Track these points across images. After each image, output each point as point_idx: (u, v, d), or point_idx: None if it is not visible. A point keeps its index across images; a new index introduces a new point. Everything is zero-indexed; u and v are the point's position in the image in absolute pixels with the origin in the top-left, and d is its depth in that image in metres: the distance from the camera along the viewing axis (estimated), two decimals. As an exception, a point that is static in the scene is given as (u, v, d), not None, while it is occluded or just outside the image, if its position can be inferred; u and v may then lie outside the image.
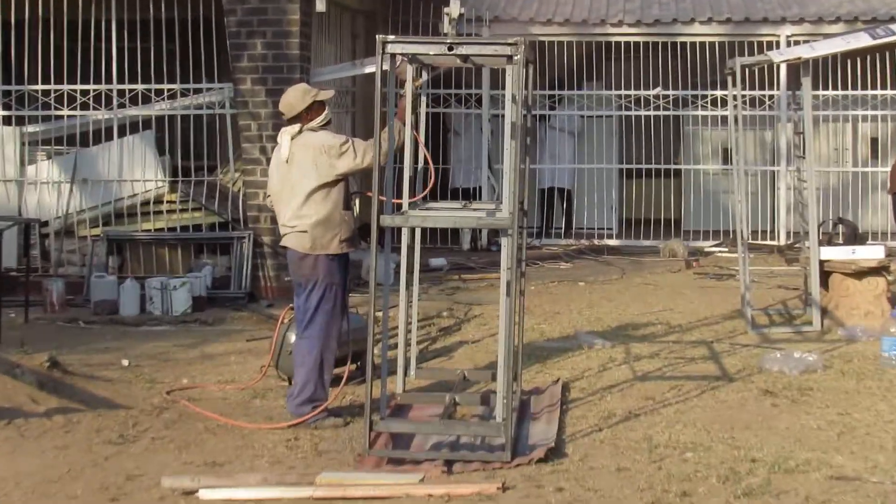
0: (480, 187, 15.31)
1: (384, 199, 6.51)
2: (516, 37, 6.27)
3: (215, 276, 11.98)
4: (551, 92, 15.71)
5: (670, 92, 15.30)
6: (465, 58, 6.44)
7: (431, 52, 6.46)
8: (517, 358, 7.18)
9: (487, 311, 10.63)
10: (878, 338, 8.83)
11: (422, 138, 7.13)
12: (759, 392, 7.74)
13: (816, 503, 5.64)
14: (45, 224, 12.48)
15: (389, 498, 5.74)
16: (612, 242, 15.24)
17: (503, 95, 6.43)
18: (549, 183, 15.96)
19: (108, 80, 12.74)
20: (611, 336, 9.62)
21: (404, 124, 6.98)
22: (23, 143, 12.79)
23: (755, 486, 5.82)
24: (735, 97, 10.47)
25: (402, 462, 6.33)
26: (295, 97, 7.23)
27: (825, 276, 10.04)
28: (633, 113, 15.51)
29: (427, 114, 7.70)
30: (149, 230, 12.39)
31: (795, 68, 10.89)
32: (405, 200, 6.87)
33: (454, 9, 13.11)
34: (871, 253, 10.08)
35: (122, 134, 12.81)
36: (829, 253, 10.04)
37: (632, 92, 15.42)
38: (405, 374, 7.48)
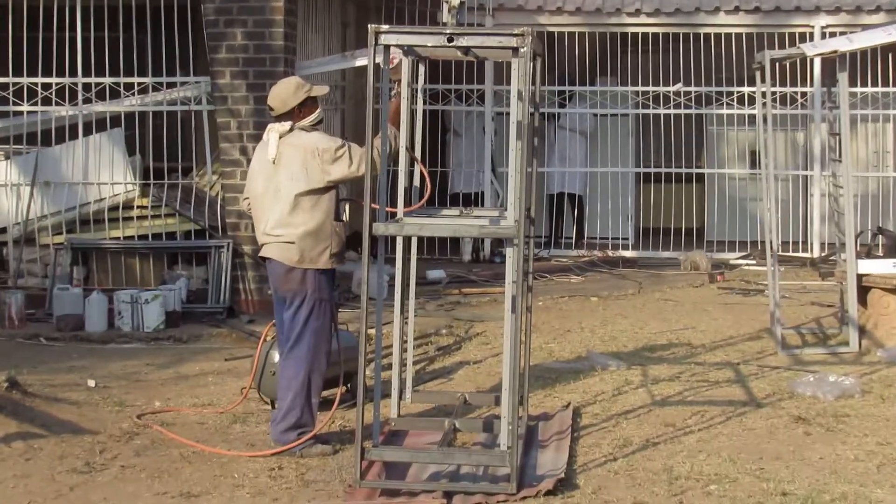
0: (483, 192, 15.34)
1: (377, 206, 6.54)
2: (523, 27, 6.28)
3: (191, 289, 12.00)
4: (561, 88, 15.75)
5: (692, 88, 15.33)
6: (466, 50, 6.48)
7: (429, 44, 6.49)
8: (523, 380, 7.21)
9: (491, 328, 10.67)
10: (921, 360, 8.90)
11: (418, 156, 7.15)
12: (791, 419, 7.78)
13: (852, 541, 5.69)
14: (3, 231, 12.52)
15: (383, 533, 5.79)
16: (628, 254, 15.28)
17: (508, 92, 6.44)
18: (558, 188, 15.99)
19: (73, 73, 12.74)
20: (626, 357, 9.67)
21: (398, 127, 7.03)
22: (-22, 142, 12.84)
23: (785, 522, 5.88)
24: (764, 94, 10.51)
25: (397, 494, 6.36)
26: (287, 91, 7.24)
27: (863, 291, 10.08)
28: (651, 111, 15.55)
29: (424, 112, 7.74)
30: (117, 238, 12.41)
31: (831, 62, 10.94)
32: (400, 207, 6.91)
33: (454, -5, 13.16)
34: (914, 266, 10.12)
35: (87, 132, 12.83)
36: (867, 266, 10.07)
37: (650, 88, 15.46)
38: (400, 397, 7.50)
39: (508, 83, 6.44)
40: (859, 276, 10.01)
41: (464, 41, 6.33)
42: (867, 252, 10.41)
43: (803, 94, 15.28)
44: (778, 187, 13.83)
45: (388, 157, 6.58)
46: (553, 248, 15.53)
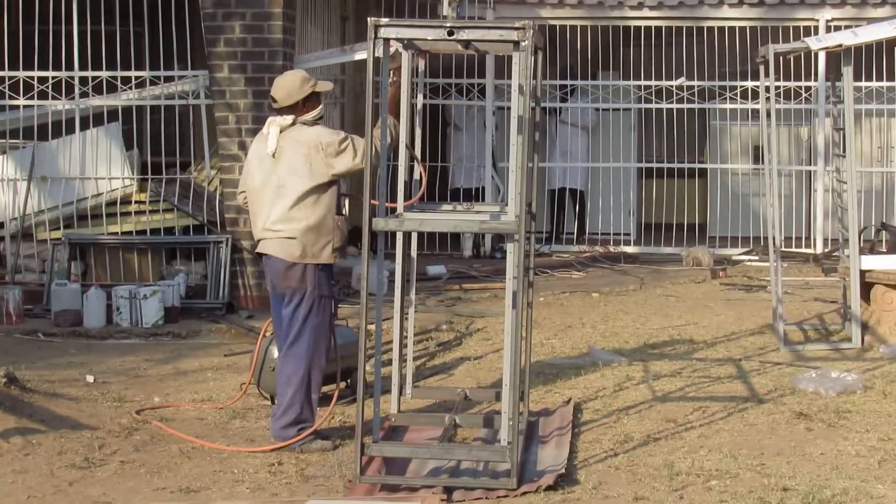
0: (483, 188, 15.37)
1: (376, 203, 6.56)
2: (524, 20, 6.30)
3: (189, 285, 12.03)
4: (563, 82, 15.77)
5: (695, 83, 15.35)
6: (466, 44, 6.50)
7: (429, 38, 6.50)
8: (524, 376, 7.25)
9: (491, 324, 10.72)
10: (924, 356, 8.95)
11: (418, 153, 7.19)
12: (792, 415, 7.83)
13: (853, 536, 5.74)
14: (1, 226, 12.55)
15: (383, 528, 5.85)
16: (630, 249, 15.31)
17: (509, 86, 6.49)
18: (559, 183, 16.02)
19: (70, 67, 12.74)
20: (628, 353, 9.71)
21: (397, 118, 7.06)
22: (-26, 137, 12.87)
23: (786, 518, 5.93)
24: (767, 89, 10.54)
25: (397, 489, 6.41)
26: (294, 84, 7.23)
27: (866, 287, 10.12)
28: (653, 106, 15.58)
29: (424, 106, 7.78)
30: (115, 233, 12.44)
31: (836, 57, 10.95)
32: (400, 202, 6.95)
33: (454, -12, 13.19)
34: (918, 262, 10.16)
35: (85, 126, 12.84)
36: (871, 262, 10.10)
37: (652, 82, 15.48)
38: (400, 393, 7.54)
39: (509, 77, 6.47)
40: (862, 272, 10.04)
41: (464, 34, 6.35)
42: (870, 248, 10.44)
43: (807, 89, 15.29)
44: (781, 183, 13.87)
45: (388, 149, 6.61)
46: (554, 243, 15.56)
